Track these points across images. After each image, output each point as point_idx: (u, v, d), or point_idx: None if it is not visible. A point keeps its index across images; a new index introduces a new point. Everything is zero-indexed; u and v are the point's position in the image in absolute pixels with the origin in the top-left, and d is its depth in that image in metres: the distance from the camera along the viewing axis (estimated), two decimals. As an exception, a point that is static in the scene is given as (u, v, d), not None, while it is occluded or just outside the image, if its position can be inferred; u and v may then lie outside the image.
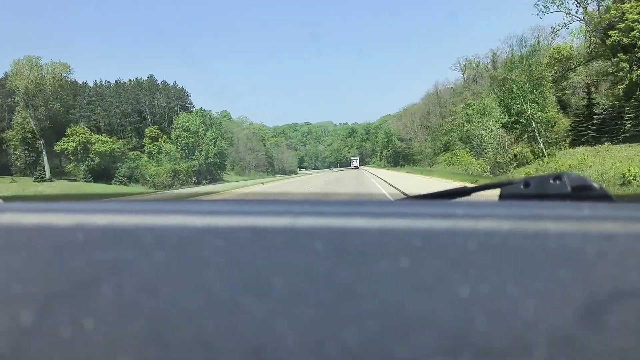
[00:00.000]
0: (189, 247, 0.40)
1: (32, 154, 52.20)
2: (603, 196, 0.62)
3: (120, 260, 0.39)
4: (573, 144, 27.99)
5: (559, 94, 34.05)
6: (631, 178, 13.24)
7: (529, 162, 26.27)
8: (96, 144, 50.15)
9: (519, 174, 24.76)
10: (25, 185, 40.51)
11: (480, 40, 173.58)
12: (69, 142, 49.53)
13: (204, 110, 64.65)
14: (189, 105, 71.83)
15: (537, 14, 34.90)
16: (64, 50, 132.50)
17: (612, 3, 28.31)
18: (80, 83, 62.84)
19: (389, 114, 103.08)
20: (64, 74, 54.26)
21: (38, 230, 0.47)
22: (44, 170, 49.59)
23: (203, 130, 59.97)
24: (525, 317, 0.29)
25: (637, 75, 25.75)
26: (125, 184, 50.55)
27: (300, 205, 0.50)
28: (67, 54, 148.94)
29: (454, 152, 42.54)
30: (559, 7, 34.77)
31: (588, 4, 34.80)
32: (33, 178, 47.33)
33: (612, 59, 28.22)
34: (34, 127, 50.95)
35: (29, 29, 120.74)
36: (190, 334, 0.30)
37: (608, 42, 27.53)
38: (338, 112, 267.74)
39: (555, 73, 33.93)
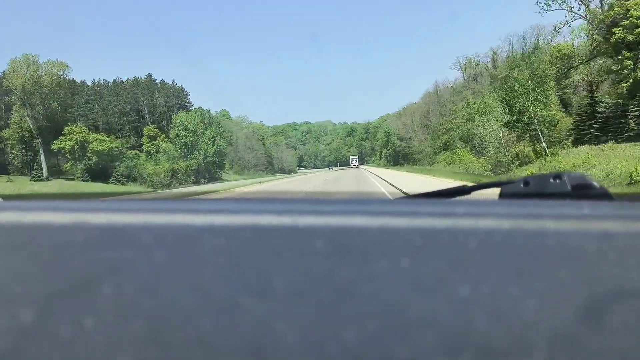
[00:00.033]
0: (189, 246, 0.40)
1: (29, 153, 51.93)
2: (603, 195, 0.62)
3: (120, 259, 0.39)
4: (576, 142, 27.64)
5: (559, 93, 33.66)
6: (639, 177, 12.84)
7: (531, 161, 25.92)
8: (94, 143, 49.78)
9: (521, 173, 24.36)
10: (22, 184, 40.14)
11: (480, 40, 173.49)
12: (66, 141, 49.19)
13: (203, 109, 64.28)
14: (187, 104, 71.59)
15: (539, 12, 34.72)
16: (62, 49, 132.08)
17: (616, 0, 27.92)
18: (79, 82, 62.62)
19: (389, 113, 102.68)
20: (62, 73, 54.08)
21: (37, 229, 0.47)
22: (41, 169, 49.24)
23: (202, 129, 59.60)
24: (525, 316, 0.29)
25: (641, 73, 25.40)
26: (123, 183, 50.19)
27: (300, 204, 0.50)
28: (66, 53, 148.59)
29: (454, 151, 42.19)
30: (561, 4, 34.52)
31: (590, 1, 34.49)
32: (30, 177, 46.98)
33: (615, 56, 27.82)
34: (31, 126, 50.63)
35: (27, 28, 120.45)
36: (190, 333, 0.30)
37: (612, 39, 27.14)
38: (337, 112, 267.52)
39: (557, 72, 33.55)
